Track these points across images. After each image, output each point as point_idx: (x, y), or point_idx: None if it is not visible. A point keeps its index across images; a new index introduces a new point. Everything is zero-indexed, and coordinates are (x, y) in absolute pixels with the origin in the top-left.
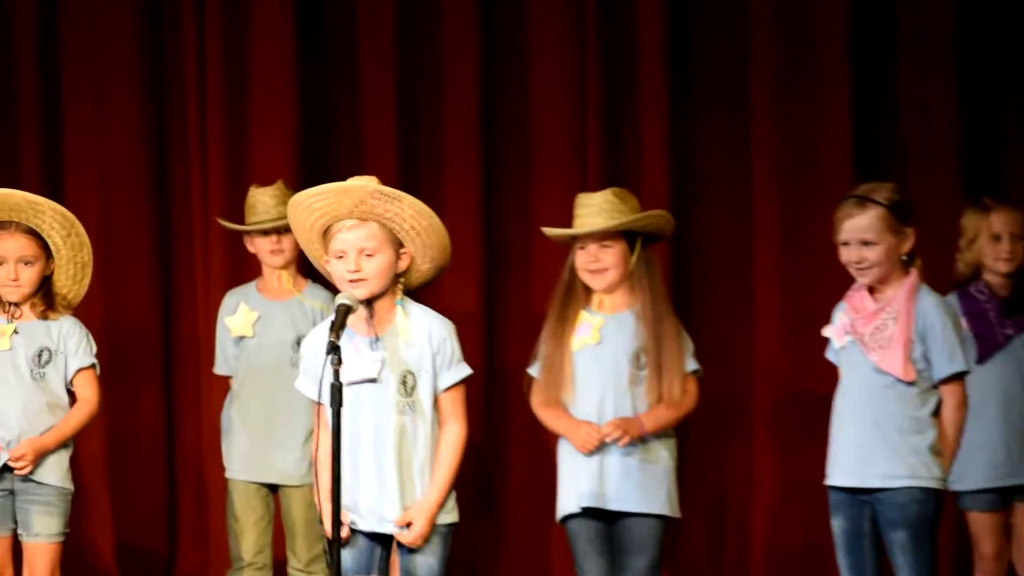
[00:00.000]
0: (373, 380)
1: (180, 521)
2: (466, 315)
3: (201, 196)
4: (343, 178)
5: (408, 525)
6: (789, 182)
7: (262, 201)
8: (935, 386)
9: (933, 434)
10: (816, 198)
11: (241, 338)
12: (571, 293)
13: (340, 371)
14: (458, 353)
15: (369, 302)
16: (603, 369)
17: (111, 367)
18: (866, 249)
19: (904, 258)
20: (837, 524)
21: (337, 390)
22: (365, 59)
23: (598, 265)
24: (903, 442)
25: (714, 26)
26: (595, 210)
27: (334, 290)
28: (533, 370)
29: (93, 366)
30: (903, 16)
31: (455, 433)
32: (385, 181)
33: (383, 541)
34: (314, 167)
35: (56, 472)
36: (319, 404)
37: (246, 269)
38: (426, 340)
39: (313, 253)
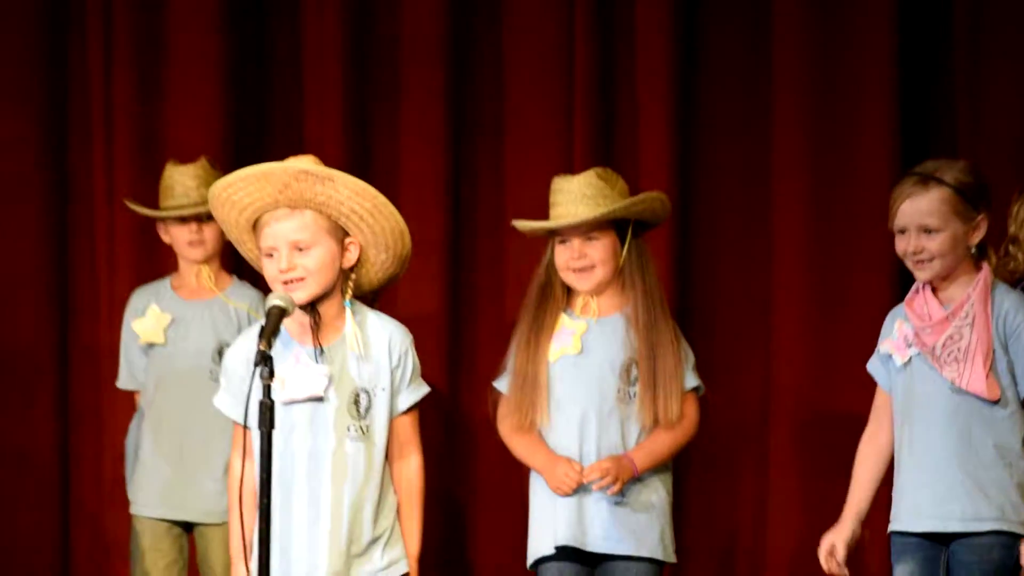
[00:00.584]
0: (319, 399)
1: (74, 566)
2: (426, 319)
3: (105, 174)
4: (281, 156)
5: None
6: (817, 161)
7: (180, 182)
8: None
9: (1022, 466)
10: (849, 180)
11: (151, 345)
12: (548, 295)
13: (272, 386)
14: (418, 367)
15: (312, 306)
16: (586, 384)
17: None
18: (926, 238)
19: (973, 251)
20: (904, 570)
21: (268, 409)
22: (307, 11)
23: (583, 263)
24: (988, 476)
25: None
26: (576, 196)
27: (265, 288)
28: (501, 384)
29: None
30: None
31: (417, 466)
32: (331, 161)
33: None
34: (246, 142)
35: None
36: (243, 427)
37: (159, 263)
38: (385, 351)
39: (248, 254)
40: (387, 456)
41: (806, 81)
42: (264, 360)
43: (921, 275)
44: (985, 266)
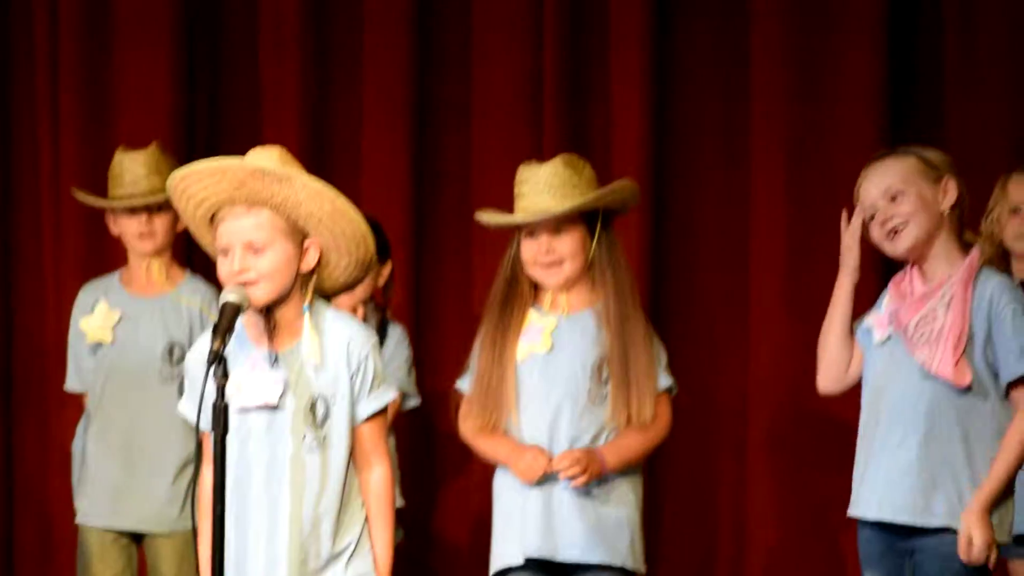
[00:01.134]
0: (273, 407)
1: None
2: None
3: (51, 159)
4: (237, 141)
5: None
6: (798, 147)
7: (130, 169)
8: (1007, 394)
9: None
10: (830, 173)
11: (99, 344)
12: (514, 291)
13: (225, 386)
14: (382, 372)
15: (267, 309)
16: (556, 384)
17: None
18: (894, 205)
19: (946, 215)
20: None
21: (221, 411)
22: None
23: (551, 257)
24: (947, 470)
25: None
26: (542, 187)
27: (219, 284)
28: (464, 384)
29: None
30: None
31: (383, 475)
32: (288, 148)
33: None
34: (200, 129)
35: None
36: (207, 432)
37: (108, 256)
38: (343, 357)
39: (207, 248)
40: (355, 465)
41: (786, 65)
42: (217, 360)
43: (899, 245)
44: (975, 250)
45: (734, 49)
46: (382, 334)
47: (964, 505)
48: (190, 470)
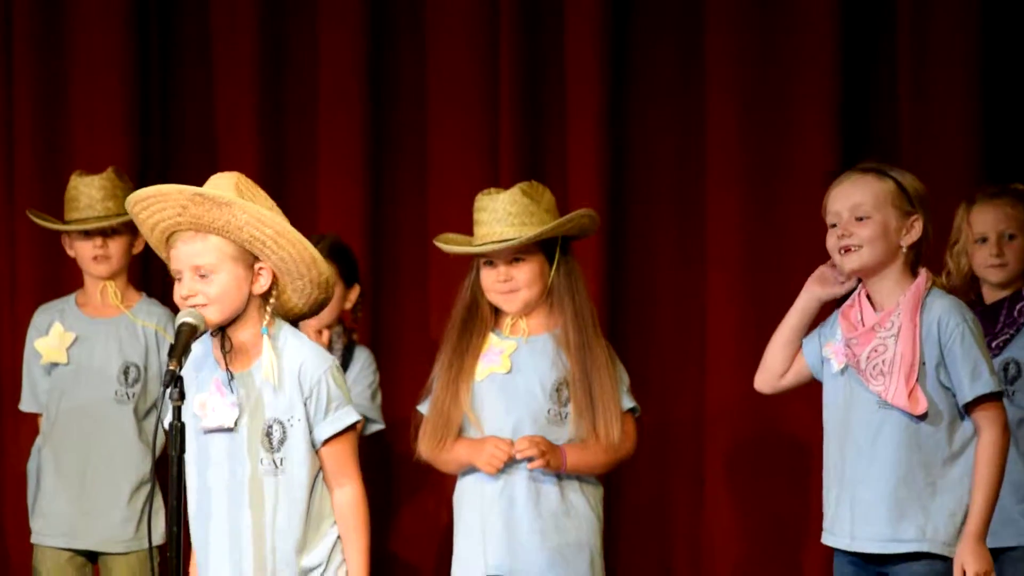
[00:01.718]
0: (230, 429)
1: None
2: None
3: (5, 183)
4: (191, 166)
5: None
6: (753, 166)
7: (86, 193)
8: (964, 415)
9: (965, 484)
10: (787, 194)
11: (54, 365)
12: (473, 316)
13: (181, 408)
14: (339, 395)
15: (222, 332)
16: (515, 402)
17: None
18: (857, 224)
19: (905, 252)
20: None
21: (178, 431)
22: (216, 14)
23: (510, 286)
24: (916, 498)
25: None
26: (501, 215)
27: (175, 306)
28: (424, 408)
29: None
30: None
31: (351, 496)
32: (241, 170)
33: None
34: (155, 152)
35: None
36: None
37: (64, 278)
38: (295, 381)
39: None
40: (327, 486)
41: (741, 90)
42: (174, 381)
43: (847, 264)
44: (922, 273)
45: (690, 72)
46: (348, 358)
47: (932, 528)
48: (146, 490)
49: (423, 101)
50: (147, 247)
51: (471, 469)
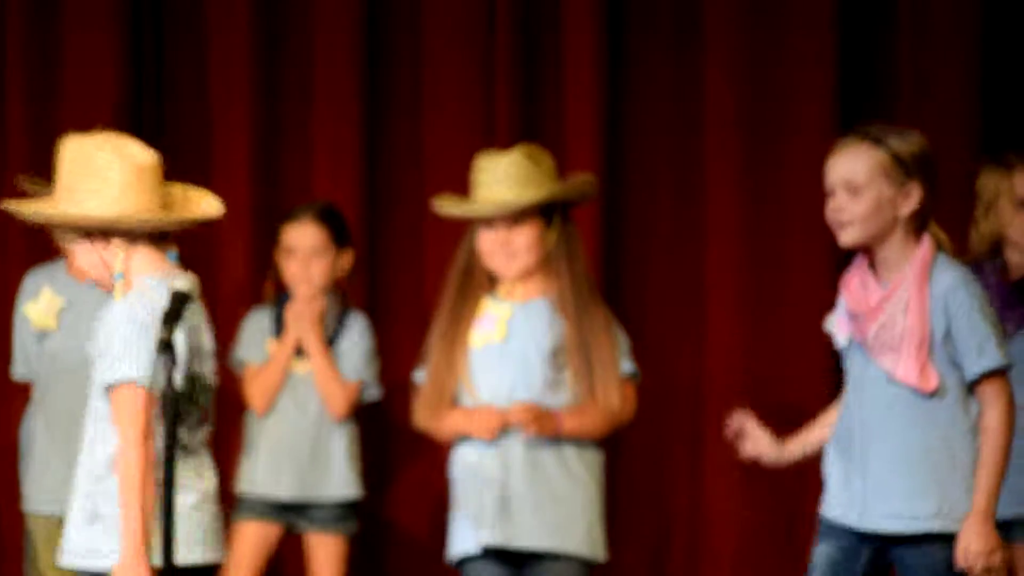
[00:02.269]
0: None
1: None
2: None
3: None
4: (180, 130)
5: None
6: (751, 139)
7: None
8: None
9: (973, 460)
10: (785, 160)
11: (44, 332)
12: (469, 281)
13: (174, 373)
14: (119, 350)
15: None
16: (510, 372)
17: None
18: (849, 197)
19: (903, 220)
20: (822, 551)
21: (171, 400)
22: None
23: (508, 249)
24: (932, 473)
25: None
26: (501, 178)
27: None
28: (420, 376)
29: None
30: None
31: (120, 453)
32: (238, 137)
33: None
34: (149, 115)
35: None
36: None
37: (55, 244)
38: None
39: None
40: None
41: (740, 55)
42: (165, 348)
43: (843, 239)
44: (926, 239)
45: (688, 45)
46: (343, 324)
47: (950, 505)
48: None
49: (419, 69)
50: None
51: (467, 437)
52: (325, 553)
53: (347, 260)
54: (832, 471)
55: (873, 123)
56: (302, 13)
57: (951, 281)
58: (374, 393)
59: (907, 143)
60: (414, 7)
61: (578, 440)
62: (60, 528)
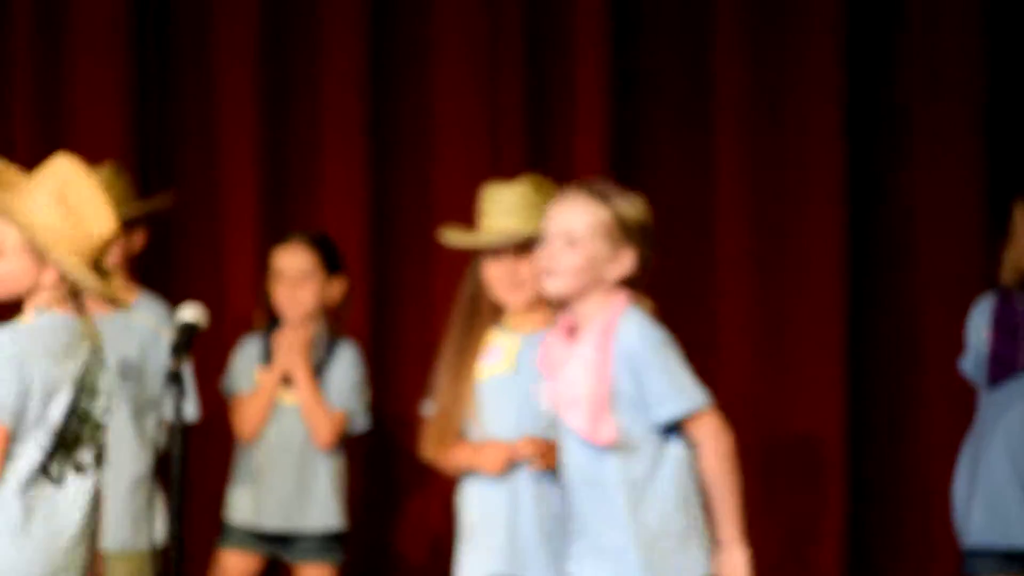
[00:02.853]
0: None
1: None
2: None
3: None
4: (187, 161)
5: None
6: (762, 167)
7: None
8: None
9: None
10: (797, 182)
11: None
12: (476, 312)
13: (183, 405)
14: None
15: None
16: (515, 404)
17: None
18: (564, 250)
19: (610, 283)
20: None
21: (179, 431)
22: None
23: (516, 279)
24: (614, 534)
25: None
26: (509, 208)
27: (174, 303)
28: (427, 408)
29: None
30: None
31: None
32: (244, 163)
33: None
34: (154, 142)
35: None
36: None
37: None
38: None
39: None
40: None
41: (750, 86)
42: (174, 379)
43: (547, 287)
44: (620, 297)
45: (698, 78)
46: (332, 353)
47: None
48: (144, 488)
49: (426, 100)
50: (148, 244)
51: (475, 472)
52: None
53: (338, 287)
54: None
55: (599, 180)
56: (309, 43)
57: (634, 335)
58: (362, 424)
59: (632, 208)
60: (422, 37)
61: None
62: None
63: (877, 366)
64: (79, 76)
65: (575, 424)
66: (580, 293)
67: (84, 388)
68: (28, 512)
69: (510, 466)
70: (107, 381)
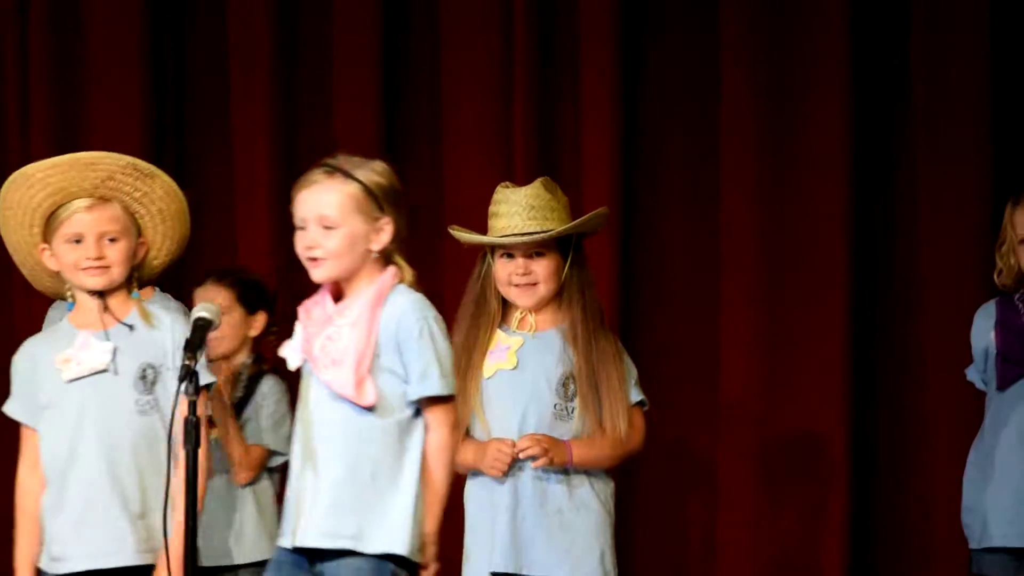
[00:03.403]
0: (103, 371)
1: None
2: None
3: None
4: (204, 174)
5: None
6: (769, 167)
7: None
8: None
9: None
10: (804, 183)
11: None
12: (482, 310)
13: (197, 402)
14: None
15: (102, 294)
16: (520, 400)
17: None
18: (324, 234)
19: (376, 255)
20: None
21: (193, 427)
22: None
23: (528, 279)
24: (367, 493)
25: None
26: (522, 208)
27: (188, 301)
28: None
29: None
30: None
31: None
32: (259, 170)
33: None
34: (170, 143)
35: None
36: (32, 430)
37: None
38: (168, 333)
39: (27, 239)
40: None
41: (757, 88)
42: (188, 375)
43: (314, 275)
44: (390, 270)
45: (705, 79)
46: (251, 388)
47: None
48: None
49: (438, 103)
50: None
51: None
52: None
53: (259, 323)
54: (287, 500)
55: (339, 156)
56: (324, 46)
57: (404, 306)
58: (279, 459)
59: (378, 175)
60: (434, 40)
61: (588, 470)
62: None
63: (880, 369)
64: (96, 77)
65: (337, 383)
66: (350, 271)
67: None
68: None
69: (512, 464)
70: None
